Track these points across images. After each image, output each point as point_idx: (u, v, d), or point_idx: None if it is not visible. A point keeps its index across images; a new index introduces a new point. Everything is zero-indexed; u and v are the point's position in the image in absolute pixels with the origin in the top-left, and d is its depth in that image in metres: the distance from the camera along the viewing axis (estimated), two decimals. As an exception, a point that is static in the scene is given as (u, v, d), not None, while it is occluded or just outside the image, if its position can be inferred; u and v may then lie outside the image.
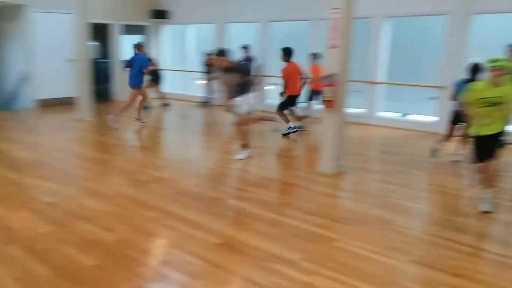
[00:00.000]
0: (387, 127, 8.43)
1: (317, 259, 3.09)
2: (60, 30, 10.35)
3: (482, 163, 4.00)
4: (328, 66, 5.14)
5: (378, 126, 8.59)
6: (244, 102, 5.75)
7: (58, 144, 6.93)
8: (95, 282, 2.75)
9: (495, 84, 3.90)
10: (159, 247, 3.32)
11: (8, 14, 10.35)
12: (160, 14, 12.43)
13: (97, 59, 11.57)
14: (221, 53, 5.91)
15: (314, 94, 8.39)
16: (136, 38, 12.81)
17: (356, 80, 8.00)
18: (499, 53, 6.62)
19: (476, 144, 4.06)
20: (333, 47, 4.98)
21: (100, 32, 11.34)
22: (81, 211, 3.98)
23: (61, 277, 2.79)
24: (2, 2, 9.64)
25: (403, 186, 4.81)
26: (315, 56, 8.43)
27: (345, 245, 3.32)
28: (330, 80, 4.98)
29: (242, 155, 5.79)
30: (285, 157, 6.31)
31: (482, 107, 3.94)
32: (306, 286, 2.73)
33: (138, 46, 8.31)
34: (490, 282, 2.85)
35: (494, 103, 3.89)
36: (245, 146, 5.87)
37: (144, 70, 8.09)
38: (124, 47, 12.15)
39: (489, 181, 4.06)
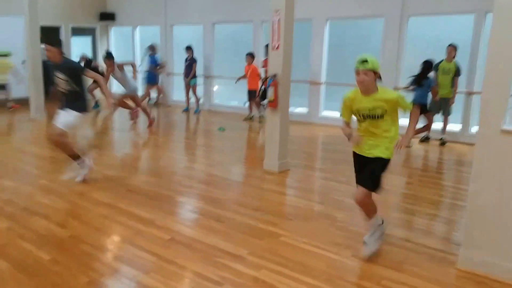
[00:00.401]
0: (329, 126, 8.88)
1: (263, 253, 3.27)
2: (13, 33, 10.33)
3: (356, 188, 3.25)
4: (271, 67, 5.37)
5: (321, 125, 9.09)
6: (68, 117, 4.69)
7: (13, 143, 6.93)
8: (52, 275, 2.93)
9: (365, 91, 3.03)
10: (111, 243, 3.51)
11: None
12: (107, 16, 12.55)
13: (48, 61, 11.40)
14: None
15: (250, 93, 9.00)
16: (84, 40, 12.92)
17: (298, 80, 8.49)
18: (437, 55, 7.23)
19: (354, 162, 3.36)
20: (275, 49, 5.26)
21: (50, 35, 11.30)
22: (37, 207, 4.14)
23: (19, 270, 2.98)
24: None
25: (344, 183, 5.11)
26: (251, 56, 8.97)
27: (291, 240, 3.51)
28: (272, 80, 5.27)
29: (77, 171, 4.93)
30: (230, 155, 6.56)
31: (360, 120, 3.17)
32: (254, 280, 2.90)
33: (151, 48, 10.27)
34: (430, 277, 2.98)
35: (368, 116, 3.08)
36: (77, 157, 4.90)
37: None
38: (74, 48, 12.19)
39: (366, 211, 3.27)
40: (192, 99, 10.52)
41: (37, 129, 8.06)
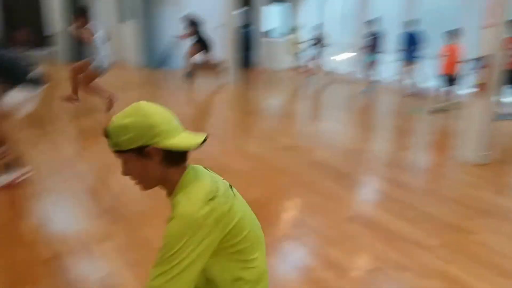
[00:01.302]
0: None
1: (454, 248, 2.90)
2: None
3: None
4: (482, 47, 4.65)
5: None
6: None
7: (204, 105, 7.54)
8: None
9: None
10: (295, 211, 3.45)
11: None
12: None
13: (242, 26, 12.01)
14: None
15: (449, 78, 7.82)
16: (279, 8, 13.09)
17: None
18: None
19: None
20: (489, 26, 4.50)
21: (245, 1, 11.76)
22: (225, 167, 4.29)
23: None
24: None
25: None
26: (453, 33, 7.73)
27: (486, 239, 3.06)
28: (483, 62, 4.54)
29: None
30: (421, 139, 5.97)
31: None
32: (441, 273, 2.61)
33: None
34: None
35: None
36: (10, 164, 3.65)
37: None
38: (271, 16, 12.38)
39: None
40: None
41: (228, 93, 8.56)
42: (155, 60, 11.43)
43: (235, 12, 9.29)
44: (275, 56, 12.50)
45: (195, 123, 6.19)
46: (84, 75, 6.00)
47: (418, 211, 3.50)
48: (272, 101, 8.54)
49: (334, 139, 5.77)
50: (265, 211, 3.37)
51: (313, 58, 10.89)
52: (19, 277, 2.41)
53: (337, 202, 3.61)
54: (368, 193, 3.99)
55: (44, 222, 3.03)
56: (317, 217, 3.30)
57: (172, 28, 11.38)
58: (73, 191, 3.58)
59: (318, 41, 10.76)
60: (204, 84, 9.42)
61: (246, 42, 12.35)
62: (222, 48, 9.61)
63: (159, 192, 1.48)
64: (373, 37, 9.30)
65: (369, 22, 9.44)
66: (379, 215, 3.38)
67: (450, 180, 4.40)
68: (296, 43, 11.23)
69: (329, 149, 5.22)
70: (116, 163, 1.41)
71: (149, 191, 1.47)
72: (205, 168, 1.53)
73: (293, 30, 11.44)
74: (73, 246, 2.70)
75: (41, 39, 10.37)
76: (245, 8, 9.92)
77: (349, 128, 6.45)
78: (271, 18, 12.74)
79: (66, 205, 3.32)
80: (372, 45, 9.33)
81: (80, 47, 9.63)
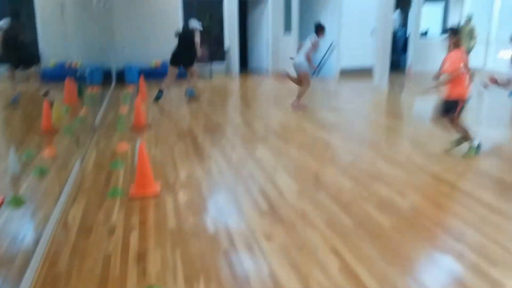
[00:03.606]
0: None
1: None
2: (366, 2, 11.02)
3: None
4: None
5: None
6: None
7: (356, 110, 7.58)
8: (389, 240, 3.04)
9: None
10: (453, 223, 3.31)
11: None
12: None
13: (396, 29, 11.76)
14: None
15: None
16: (436, 7, 12.38)
17: None
18: None
19: None
20: None
21: (402, 1, 11.40)
22: (377, 173, 4.36)
23: (361, 229, 3.21)
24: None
25: None
26: None
27: None
28: None
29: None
30: None
31: None
32: None
33: None
34: None
35: None
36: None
37: None
38: (425, 16, 11.92)
39: None
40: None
41: (378, 97, 8.50)
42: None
43: (391, 14, 9.10)
44: (431, 58, 11.83)
45: (344, 127, 6.30)
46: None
47: None
48: (425, 104, 8.09)
49: (498, 146, 5.27)
50: (421, 220, 3.32)
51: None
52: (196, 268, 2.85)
53: (503, 217, 3.35)
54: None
55: (215, 218, 3.50)
56: (478, 232, 3.12)
57: (327, 36, 11.65)
58: (244, 188, 4.03)
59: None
60: (353, 88, 9.44)
61: (400, 44, 11.98)
62: (376, 51, 9.49)
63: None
64: None
65: None
66: (557, 236, 3.04)
67: None
68: (472, 36, 10.39)
69: (494, 157, 4.80)
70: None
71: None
72: None
73: (469, 20, 10.59)
74: (238, 243, 3.05)
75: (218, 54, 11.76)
76: (398, 11, 9.70)
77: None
78: (426, 18, 12.11)
79: (236, 202, 3.76)
80: None
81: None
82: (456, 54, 4.52)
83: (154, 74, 11.07)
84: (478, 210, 3.47)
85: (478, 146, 4.72)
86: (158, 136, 5.88)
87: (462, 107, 4.61)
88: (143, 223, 3.39)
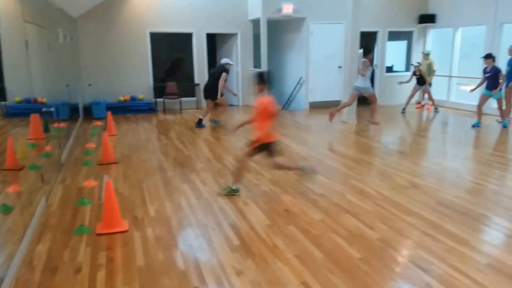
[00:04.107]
0: None
1: None
2: (333, 39, 11.49)
3: None
4: None
5: None
6: None
7: (325, 143, 7.73)
8: (359, 273, 3.06)
9: None
10: (420, 254, 3.36)
11: (291, 26, 12.06)
12: (427, 19, 12.16)
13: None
14: None
15: None
16: (399, 44, 13.00)
17: None
18: None
19: None
20: None
21: (366, 40, 11.94)
22: (347, 205, 4.42)
23: (331, 262, 3.23)
24: (288, 16, 11.28)
25: None
26: None
27: None
28: None
29: None
30: None
31: None
32: None
33: None
34: None
35: None
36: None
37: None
38: (389, 52, 12.49)
39: None
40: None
41: (347, 131, 8.70)
42: (280, 103, 12.11)
43: (357, 52, 9.48)
44: (396, 91, 12.35)
45: (315, 160, 6.39)
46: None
47: None
48: (392, 137, 8.39)
49: (461, 177, 5.46)
50: (390, 252, 3.37)
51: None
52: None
53: (469, 247, 3.44)
54: (502, 237, 3.71)
55: (185, 253, 3.45)
56: (445, 263, 3.19)
57: (296, 72, 11.99)
58: (215, 223, 3.99)
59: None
60: (322, 122, 9.64)
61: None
62: (344, 87, 9.81)
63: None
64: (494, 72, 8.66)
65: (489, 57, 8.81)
66: (518, 264, 3.15)
67: None
68: (431, 69, 10.95)
69: (456, 188, 4.97)
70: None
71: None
72: None
73: (427, 55, 11.17)
74: (208, 279, 3.00)
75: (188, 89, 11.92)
76: (361, 50, 10.29)
77: (478, 165, 6.02)
78: (391, 54, 12.70)
79: (206, 237, 3.71)
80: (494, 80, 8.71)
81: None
82: (267, 98, 4.45)
83: (122, 109, 11.01)
84: (444, 241, 3.56)
85: (236, 190, 4.77)
86: (127, 171, 5.79)
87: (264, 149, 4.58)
88: (110, 261, 3.29)
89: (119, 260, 3.31)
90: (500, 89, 8.74)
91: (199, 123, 9.18)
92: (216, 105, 9.31)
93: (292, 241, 3.57)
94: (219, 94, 8.92)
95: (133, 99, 11.28)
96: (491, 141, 7.88)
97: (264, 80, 4.49)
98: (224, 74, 8.83)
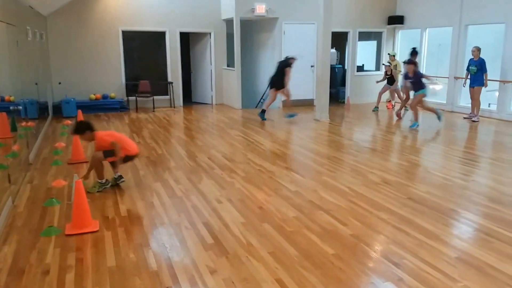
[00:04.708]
0: None
1: None
2: (305, 39, 11.58)
3: None
4: None
5: None
6: None
7: (299, 140, 7.77)
8: (332, 268, 3.08)
9: None
10: (392, 249, 3.42)
11: (264, 26, 12.08)
12: (395, 20, 12.42)
13: (334, 64, 12.42)
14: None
15: None
16: (369, 44, 13.22)
17: None
18: None
19: None
20: None
21: (337, 40, 12.08)
22: (320, 202, 4.45)
23: (305, 258, 3.23)
24: (261, 16, 11.28)
25: None
26: None
27: None
28: None
29: None
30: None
31: None
32: None
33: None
34: None
35: None
36: None
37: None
38: (360, 52, 12.68)
39: None
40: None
41: (320, 129, 8.77)
42: (253, 101, 12.11)
43: (329, 51, 9.58)
44: (367, 91, 12.56)
45: (288, 158, 6.42)
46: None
47: (531, 253, 3.29)
48: (364, 135, 8.51)
49: (431, 173, 5.58)
50: (363, 248, 3.40)
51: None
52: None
53: (438, 241, 3.52)
54: (470, 231, 3.81)
55: (158, 253, 3.39)
56: (416, 257, 3.24)
57: (269, 71, 11.99)
58: (188, 222, 3.94)
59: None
60: (295, 120, 9.70)
61: (338, 78, 12.61)
62: (316, 85, 9.89)
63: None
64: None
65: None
66: (485, 258, 3.23)
67: None
68: (397, 70, 11.16)
69: (427, 184, 5.07)
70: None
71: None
72: None
73: (393, 56, 11.37)
74: (181, 278, 2.96)
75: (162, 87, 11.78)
76: (334, 50, 10.47)
77: (447, 161, 6.18)
78: (362, 54, 12.90)
79: (179, 236, 3.66)
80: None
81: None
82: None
83: (93, 108, 10.78)
84: (415, 235, 3.63)
85: (107, 183, 4.91)
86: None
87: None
88: (80, 262, 3.21)
89: (89, 261, 3.23)
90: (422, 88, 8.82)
91: (262, 113, 9.83)
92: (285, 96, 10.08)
93: (266, 239, 3.57)
94: (286, 86, 9.71)
95: (104, 97, 11.06)
96: (459, 138, 8.09)
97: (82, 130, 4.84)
98: (287, 68, 9.62)
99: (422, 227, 3.80)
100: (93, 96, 10.91)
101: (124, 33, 11.23)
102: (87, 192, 4.49)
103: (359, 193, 4.75)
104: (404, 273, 3.00)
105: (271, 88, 9.99)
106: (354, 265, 3.13)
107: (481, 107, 9.53)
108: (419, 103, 8.89)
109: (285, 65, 9.66)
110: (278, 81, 9.75)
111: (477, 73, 9.27)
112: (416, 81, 8.79)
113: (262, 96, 12.18)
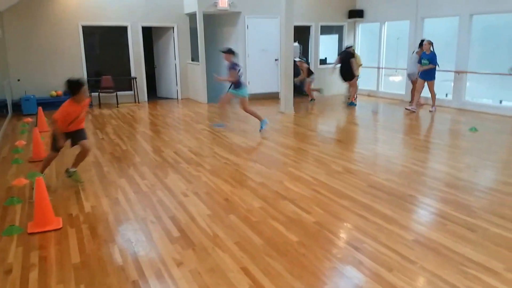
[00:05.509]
0: None
1: None
2: (269, 33, 11.65)
3: None
4: None
5: None
6: None
7: (264, 133, 7.85)
8: (297, 255, 3.17)
9: None
10: (354, 234, 3.54)
11: (227, 20, 12.06)
12: (355, 14, 12.69)
13: (298, 57, 12.53)
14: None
15: None
16: (331, 38, 13.46)
17: None
18: None
19: None
20: None
21: (300, 33, 12.22)
22: (285, 192, 4.54)
23: (270, 247, 3.31)
24: (223, 10, 11.26)
25: None
26: None
27: None
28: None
29: None
30: (482, 159, 5.80)
31: None
32: None
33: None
34: None
35: None
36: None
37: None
38: (321, 46, 12.90)
39: None
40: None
41: (285, 121, 8.89)
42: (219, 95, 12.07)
43: (292, 45, 9.69)
44: (329, 83, 12.79)
45: (254, 150, 6.49)
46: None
47: (481, 234, 3.48)
48: (327, 126, 8.69)
49: (390, 161, 5.79)
50: (325, 235, 3.52)
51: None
52: (108, 296, 2.73)
53: (396, 225, 3.67)
54: (427, 215, 3.99)
55: (125, 247, 3.39)
56: (375, 241, 3.38)
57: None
58: (154, 216, 3.94)
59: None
60: (260, 113, 9.78)
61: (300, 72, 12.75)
62: (280, 78, 10.00)
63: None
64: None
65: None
66: (440, 239, 3.40)
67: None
68: (357, 63, 11.40)
69: (386, 172, 5.26)
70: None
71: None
72: None
73: (351, 48, 11.62)
74: (148, 272, 2.98)
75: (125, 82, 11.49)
76: (297, 43, 10.62)
77: (405, 150, 6.41)
78: (324, 48, 13.12)
79: (145, 231, 3.67)
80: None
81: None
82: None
83: (54, 105, 10.47)
84: (375, 220, 3.77)
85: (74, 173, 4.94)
86: (60, 168, 5.55)
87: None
88: (43, 260, 3.17)
89: (53, 258, 3.19)
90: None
91: (352, 103, 10.72)
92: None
93: (232, 230, 3.62)
94: (356, 76, 10.62)
95: (66, 94, 10.77)
96: (417, 128, 8.39)
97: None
98: (352, 59, 10.44)
99: (381, 212, 3.96)
100: (54, 93, 10.62)
101: (85, 28, 10.97)
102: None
103: (322, 182, 4.87)
104: (364, 257, 3.12)
105: (345, 81, 10.82)
106: (317, 251, 3.23)
107: (437, 97, 9.87)
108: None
109: (348, 56, 10.50)
110: (348, 72, 10.58)
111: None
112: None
113: (228, 90, 12.16)
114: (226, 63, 7.89)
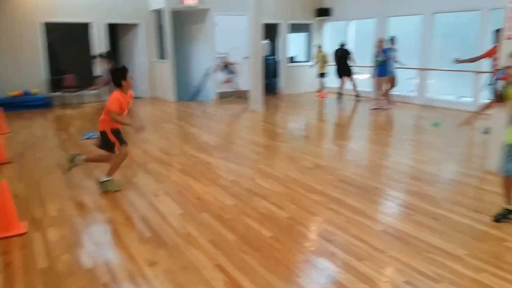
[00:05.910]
0: None
1: (484, 256, 3.00)
2: (238, 31, 11.59)
3: None
4: (502, 57, 4.77)
5: None
6: None
7: (235, 131, 7.84)
8: (270, 250, 3.19)
9: None
10: (324, 227, 3.59)
11: (196, 17, 11.95)
12: (323, 12, 12.84)
13: (267, 56, 12.58)
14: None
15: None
16: (300, 36, 13.57)
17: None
18: None
19: None
20: (508, 38, 4.66)
21: (269, 31, 12.27)
22: (257, 189, 4.55)
23: (244, 243, 3.32)
24: (191, 7, 11.16)
25: None
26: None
27: None
28: (504, 73, 4.63)
29: None
30: (444, 152, 6.02)
31: None
32: (473, 282, 2.71)
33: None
34: None
35: None
36: None
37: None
38: (290, 44, 12.96)
39: None
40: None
41: (255, 119, 8.91)
42: (188, 94, 11.98)
43: (261, 43, 9.68)
44: (299, 81, 12.91)
45: (225, 148, 6.47)
46: None
47: (444, 222, 3.60)
48: (297, 124, 8.78)
49: (358, 156, 5.90)
50: (298, 229, 3.55)
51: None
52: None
53: (365, 217, 3.75)
54: (394, 206, 4.11)
55: (92, 251, 3.31)
56: (346, 233, 3.44)
57: (202, 63, 11.91)
58: (124, 217, 3.86)
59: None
60: (231, 111, 9.77)
61: (271, 69, 12.80)
62: (250, 76, 9.98)
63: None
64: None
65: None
66: (407, 228, 3.50)
67: (476, 190, 4.46)
68: (324, 61, 11.54)
69: (355, 166, 5.36)
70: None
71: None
72: None
73: (319, 47, 11.76)
74: (119, 274, 2.92)
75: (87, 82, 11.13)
76: (267, 41, 10.63)
77: (373, 145, 6.56)
78: (293, 45, 13.20)
79: (115, 233, 3.59)
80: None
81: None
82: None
83: (14, 105, 10.10)
84: (345, 213, 3.84)
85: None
86: (22, 171, 5.36)
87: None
88: (8, 265, 3.05)
89: (18, 264, 3.08)
90: None
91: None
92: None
93: (205, 227, 3.60)
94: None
95: (26, 93, 10.41)
96: (383, 124, 8.59)
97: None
98: (349, 55, 10.77)
99: (351, 205, 4.03)
100: (13, 93, 10.23)
101: (46, 25, 10.61)
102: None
103: (293, 178, 4.91)
104: (336, 248, 3.18)
105: (346, 76, 10.97)
106: (291, 245, 3.26)
107: (402, 94, 10.08)
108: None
109: (345, 53, 10.72)
110: (346, 68, 10.85)
111: (382, 63, 9.69)
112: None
113: (197, 88, 12.09)
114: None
